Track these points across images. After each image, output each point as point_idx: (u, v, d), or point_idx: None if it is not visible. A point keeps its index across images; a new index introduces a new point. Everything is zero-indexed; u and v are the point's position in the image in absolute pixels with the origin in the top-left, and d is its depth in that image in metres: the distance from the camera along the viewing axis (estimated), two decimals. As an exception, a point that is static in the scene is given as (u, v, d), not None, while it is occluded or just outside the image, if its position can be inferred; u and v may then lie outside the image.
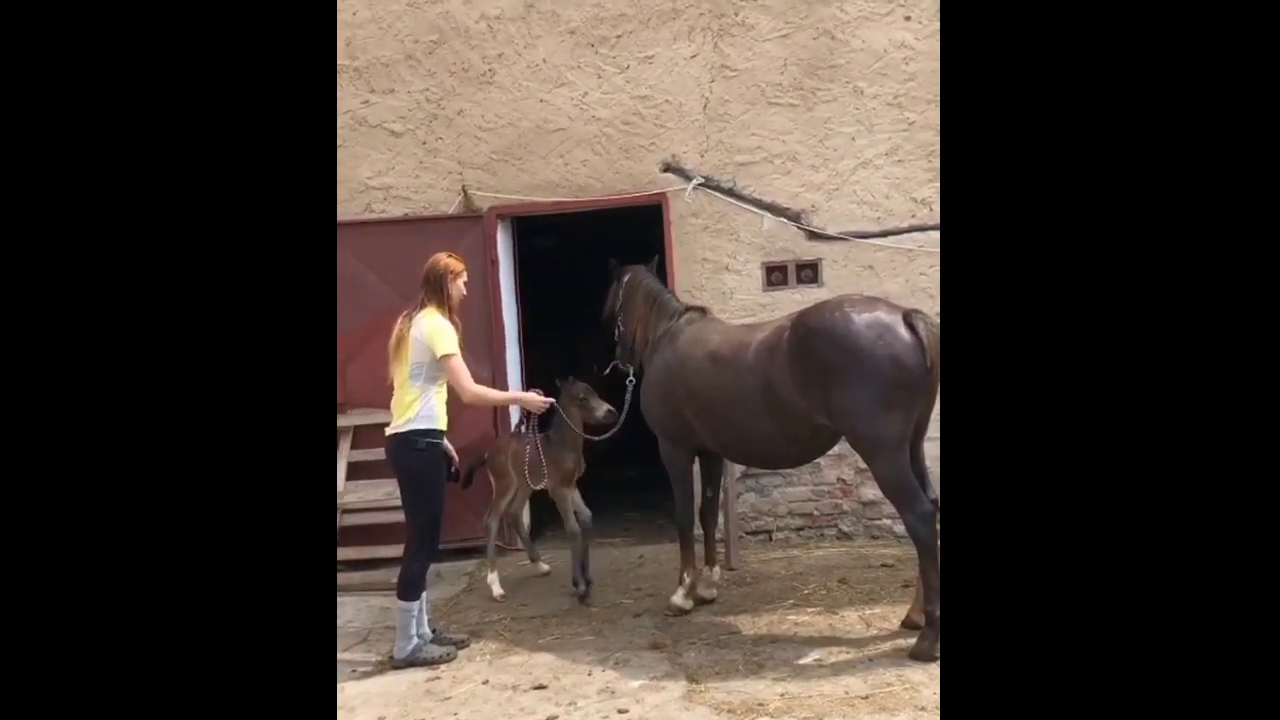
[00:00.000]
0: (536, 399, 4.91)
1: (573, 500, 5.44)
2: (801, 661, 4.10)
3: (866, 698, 3.65)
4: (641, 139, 6.44)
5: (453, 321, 4.56)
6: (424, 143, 6.62)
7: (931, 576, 4.02)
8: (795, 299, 6.30)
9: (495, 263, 6.60)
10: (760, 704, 3.67)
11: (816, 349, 4.15)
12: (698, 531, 5.13)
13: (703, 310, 5.19)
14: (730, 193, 6.35)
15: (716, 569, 5.19)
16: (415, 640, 4.51)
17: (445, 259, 4.66)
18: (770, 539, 6.34)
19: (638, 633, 4.68)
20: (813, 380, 4.17)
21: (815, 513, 6.34)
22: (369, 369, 6.50)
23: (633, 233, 7.44)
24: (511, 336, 6.76)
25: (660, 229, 6.50)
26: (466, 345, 4.78)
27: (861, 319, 4.10)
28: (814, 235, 6.28)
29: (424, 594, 4.59)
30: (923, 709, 3.50)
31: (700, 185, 6.36)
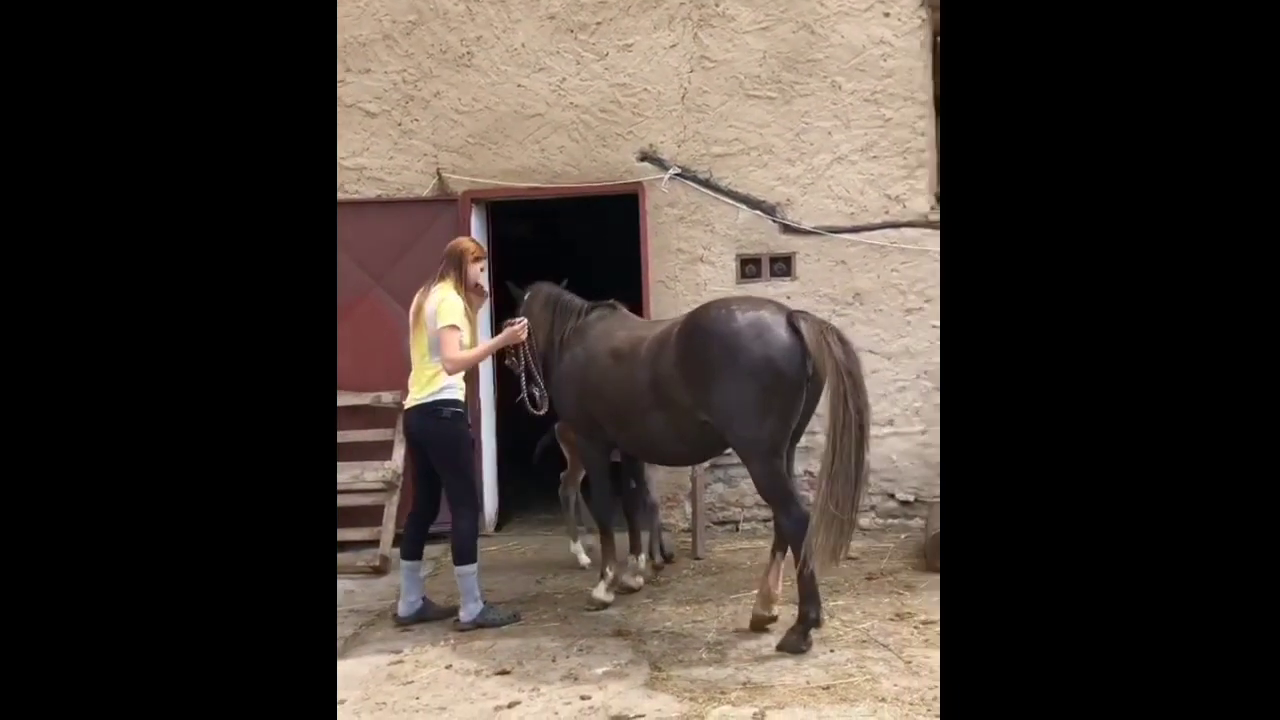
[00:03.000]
0: (513, 331, 4.79)
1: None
2: (764, 651, 4.13)
3: (828, 688, 3.69)
4: (619, 127, 6.43)
5: (468, 299, 4.70)
6: (399, 124, 6.57)
7: (808, 579, 4.08)
8: (768, 292, 6.31)
9: (469, 247, 6.56)
10: (722, 692, 3.69)
11: (699, 346, 4.16)
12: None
13: (613, 306, 5.17)
14: (706, 184, 6.36)
15: (642, 558, 5.24)
16: (481, 604, 4.70)
17: (466, 242, 4.88)
18: (737, 529, 6.38)
19: (603, 620, 4.69)
20: (695, 377, 4.18)
21: (782, 505, 6.37)
22: (339, 351, 6.46)
23: (610, 221, 7.44)
24: (483, 318, 6.71)
25: (636, 218, 6.49)
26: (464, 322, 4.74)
27: (744, 318, 4.10)
28: (788, 229, 6.31)
29: (419, 562, 4.87)
30: (882, 700, 3.54)
31: (676, 175, 6.36)
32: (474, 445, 4.94)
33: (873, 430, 6.12)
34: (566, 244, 9.30)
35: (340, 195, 6.52)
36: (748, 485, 6.39)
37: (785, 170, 6.32)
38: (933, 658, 3.96)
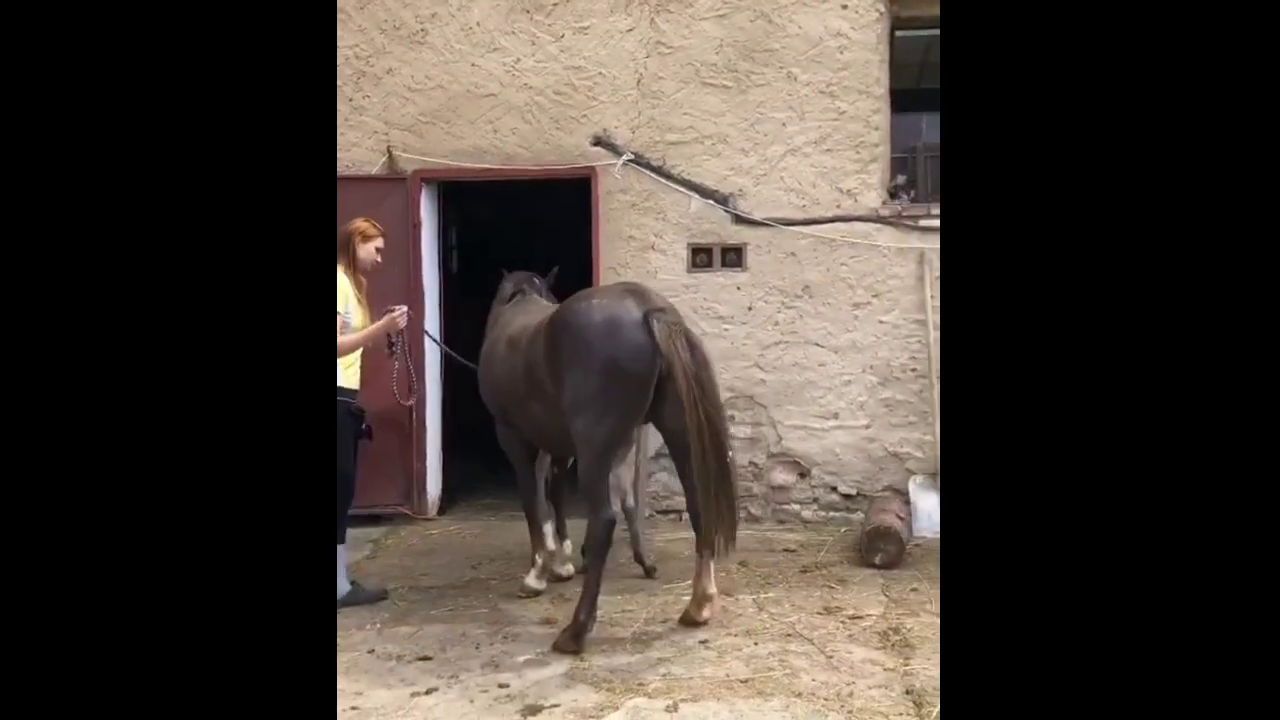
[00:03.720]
0: (391, 318, 4.69)
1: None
2: (688, 643, 4.12)
3: (746, 681, 3.68)
4: (573, 110, 6.36)
5: (357, 281, 4.67)
6: (350, 100, 6.47)
7: (591, 583, 4.08)
8: (718, 282, 6.32)
9: (418, 226, 6.49)
10: (640, 684, 3.67)
11: (558, 337, 4.14)
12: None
13: (524, 293, 5.17)
14: (659, 171, 6.31)
15: (567, 543, 5.23)
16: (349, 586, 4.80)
17: (359, 222, 4.77)
18: (680, 519, 6.34)
19: (532, 608, 4.66)
20: (554, 368, 4.15)
21: (726, 495, 6.36)
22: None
23: (570, 205, 7.36)
24: (432, 302, 6.65)
25: (588, 203, 6.44)
26: (372, 307, 4.78)
27: (600, 314, 4.03)
28: (740, 219, 6.28)
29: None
30: (798, 695, 3.54)
31: (630, 161, 6.31)
32: (369, 432, 4.83)
33: (818, 423, 6.25)
34: (530, 226, 9.24)
35: (288, 170, 6.42)
36: (692, 475, 6.39)
37: (739, 160, 6.28)
38: (855, 653, 3.96)
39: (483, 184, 6.72)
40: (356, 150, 6.47)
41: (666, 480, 6.37)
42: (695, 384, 3.95)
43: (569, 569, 5.11)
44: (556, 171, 6.41)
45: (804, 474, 6.31)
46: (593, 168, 6.34)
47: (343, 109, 6.45)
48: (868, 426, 6.24)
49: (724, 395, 6.24)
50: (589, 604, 4.06)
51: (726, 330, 6.30)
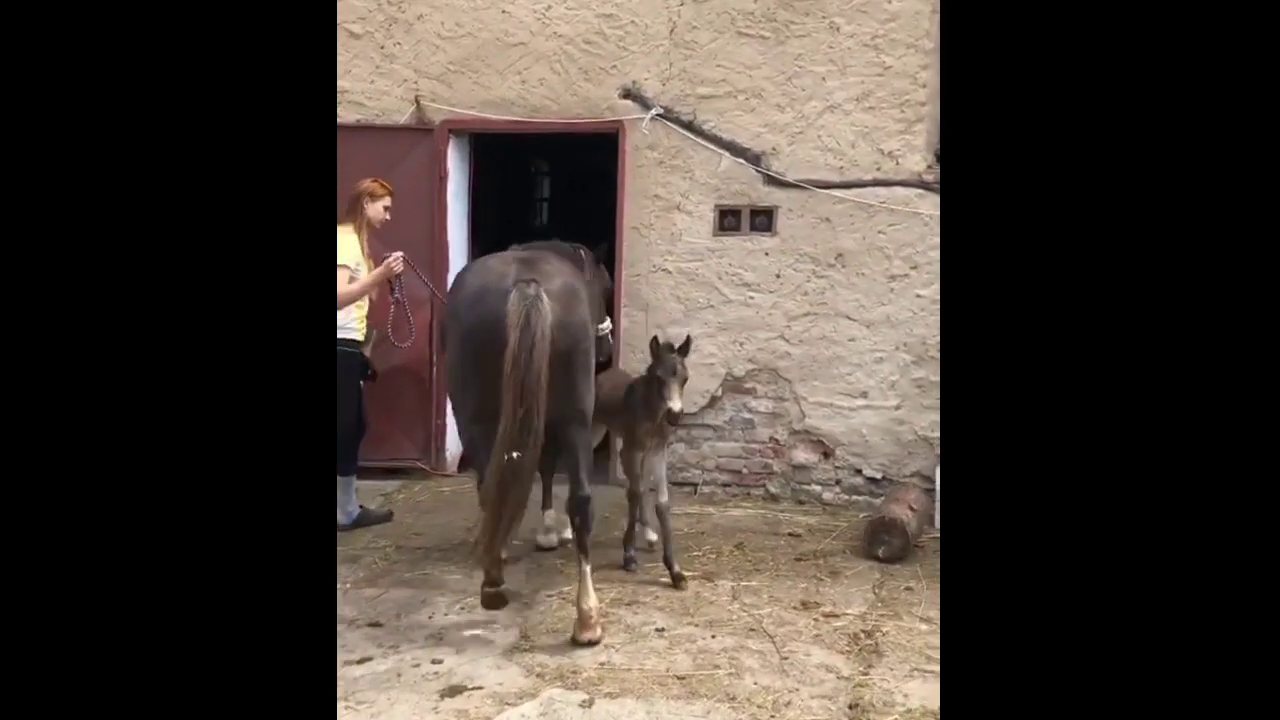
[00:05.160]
0: (388, 265, 5.04)
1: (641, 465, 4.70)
2: (644, 630, 3.92)
3: (683, 678, 3.46)
4: (602, 61, 6.08)
5: (361, 241, 5.11)
6: (382, 47, 6.34)
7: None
8: (746, 246, 5.99)
9: (444, 178, 6.36)
10: (574, 671, 3.51)
11: (450, 299, 4.24)
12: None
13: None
14: (689, 127, 5.99)
15: (550, 512, 5.01)
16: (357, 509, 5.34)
17: (368, 183, 5.18)
18: (695, 492, 6.13)
19: (507, 577, 4.51)
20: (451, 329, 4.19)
21: (744, 470, 6.09)
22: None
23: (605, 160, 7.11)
24: (457, 254, 6.53)
25: (615, 159, 6.17)
26: (357, 262, 5.02)
27: (475, 280, 3.95)
28: (771, 180, 5.91)
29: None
30: (731, 698, 3.30)
31: (658, 116, 6.00)
32: (373, 375, 5.47)
33: (844, 401, 5.89)
34: (585, 180, 9.04)
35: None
36: (709, 448, 6.15)
37: (774, 117, 5.89)
38: (814, 655, 3.69)
39: (517, 136, 6.53)
40: (386, 99, 6.35)
41: (683, 452, 6.14)
42: (517, 363, 3.54)
43: (551, 539, 4.96)
44: (583, 125, 6.16)
45: (827, 454, 5.97)
46: (620, 122, 6.06)
47: (373, 56, 6.33)
48: (898, 408, 5.84)
49: (746, 368, 6.00)
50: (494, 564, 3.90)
51: (752, 298, 5.97)
